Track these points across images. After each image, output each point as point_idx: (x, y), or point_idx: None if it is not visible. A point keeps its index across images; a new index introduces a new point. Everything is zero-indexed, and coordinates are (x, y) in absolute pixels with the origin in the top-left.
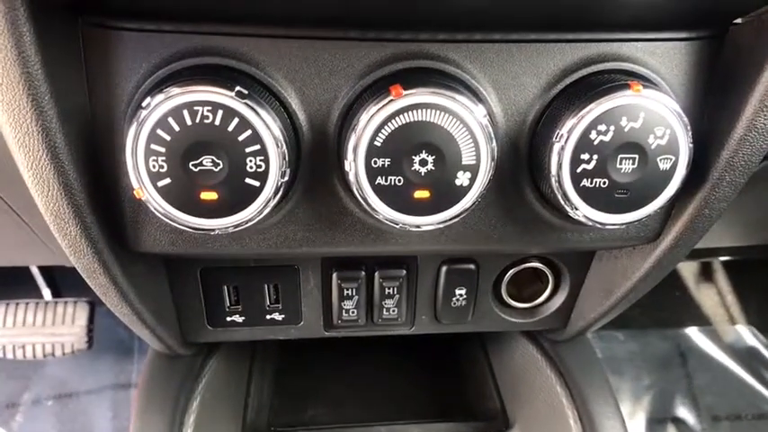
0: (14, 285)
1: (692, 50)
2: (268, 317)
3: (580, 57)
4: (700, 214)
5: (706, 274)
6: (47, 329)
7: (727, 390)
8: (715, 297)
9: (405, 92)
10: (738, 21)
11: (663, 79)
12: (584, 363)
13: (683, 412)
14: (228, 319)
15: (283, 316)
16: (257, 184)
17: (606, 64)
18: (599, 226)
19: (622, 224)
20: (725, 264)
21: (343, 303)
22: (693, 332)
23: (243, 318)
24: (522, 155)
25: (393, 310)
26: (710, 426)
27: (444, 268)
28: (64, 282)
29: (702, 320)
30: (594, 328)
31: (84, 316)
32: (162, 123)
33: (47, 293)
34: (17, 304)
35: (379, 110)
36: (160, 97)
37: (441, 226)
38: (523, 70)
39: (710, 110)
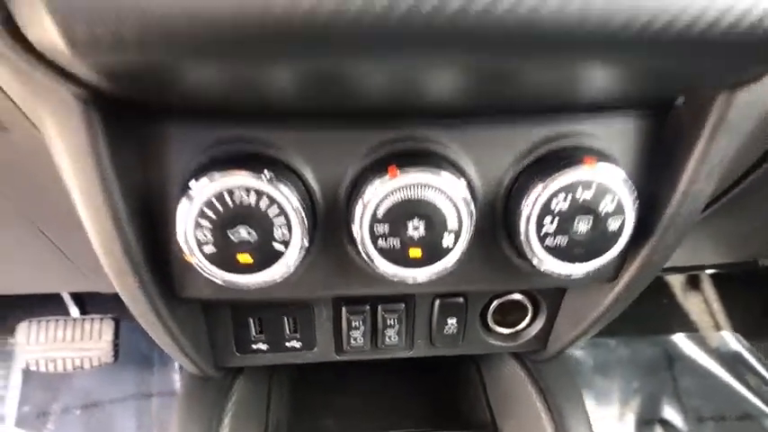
0: (44, 304)
1: (640, 127)
2: (288, 344)
3: (546, 135)
4: (650, 260)
5: (693, 283)
6: (76, 344)
7: (712, 392)
8: (701, 305)
9: (399, 172)
10: (679, 102)
11: (615, 151)
12: (561, 380)
13: (671, 413)
14: (254, 346)
15: (300, 343)
16: (283, 248)
17: (567, 140)
18: (563, 276)
19: (581, 274)
20: (711, 274)
21: (351, 332)
22: (680, 338)
23: (266, 345)
24: (498, 216)
25: (394, 338)
26: (696, 426)
27: (437, 302)
28: (90, 300)
29: (689, 327)
30: (571, 348)
31: (110, 331)
32: (207, 202)
33: (74, 311)
34: (48, 321)
35: (378, 187)
36: (204, 181)
37: (433, 277)
38: (499, 148)
39: (655, 176)
